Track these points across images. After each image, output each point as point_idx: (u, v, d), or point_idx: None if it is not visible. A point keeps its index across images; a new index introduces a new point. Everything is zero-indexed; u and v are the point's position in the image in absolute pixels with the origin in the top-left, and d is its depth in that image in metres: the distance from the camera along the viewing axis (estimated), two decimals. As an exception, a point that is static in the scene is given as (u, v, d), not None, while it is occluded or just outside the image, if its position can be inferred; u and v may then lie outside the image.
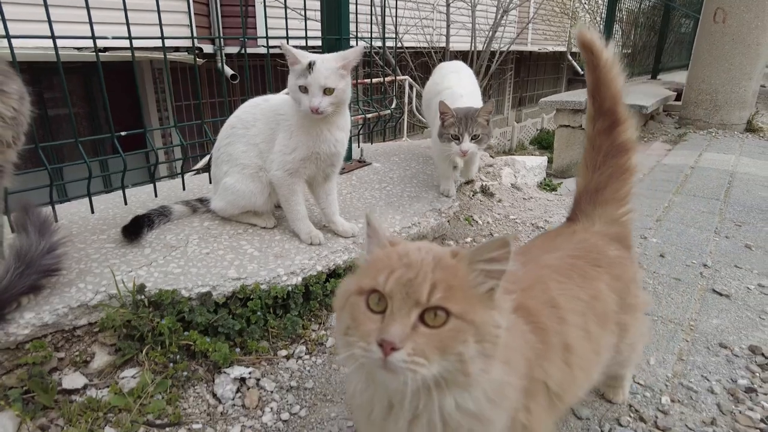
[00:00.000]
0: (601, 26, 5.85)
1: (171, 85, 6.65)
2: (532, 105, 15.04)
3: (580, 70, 14.95)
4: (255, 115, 1.72)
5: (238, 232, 1.75)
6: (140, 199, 1.99)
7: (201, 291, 1.39)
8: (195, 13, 6.47)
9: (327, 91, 1.50)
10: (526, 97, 14.98)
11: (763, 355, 1.58)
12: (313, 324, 1.56)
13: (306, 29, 2.19)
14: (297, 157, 1.62)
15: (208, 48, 6.57)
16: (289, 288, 1.49)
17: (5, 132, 1.12)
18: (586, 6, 11.40)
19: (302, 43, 2.27)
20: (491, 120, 2.05)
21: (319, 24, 2.28)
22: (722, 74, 5.06)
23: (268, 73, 2.23)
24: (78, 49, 4.98)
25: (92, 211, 1.82)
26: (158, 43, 1.89)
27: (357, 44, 2.58)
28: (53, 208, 1.71)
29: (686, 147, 4.61)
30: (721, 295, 1.92)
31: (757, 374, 1.49)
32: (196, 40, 2.06)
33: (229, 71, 6.47)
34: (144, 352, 1.29)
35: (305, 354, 1.45)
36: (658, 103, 5.64)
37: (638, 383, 1.39)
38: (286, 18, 2.14)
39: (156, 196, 1.99)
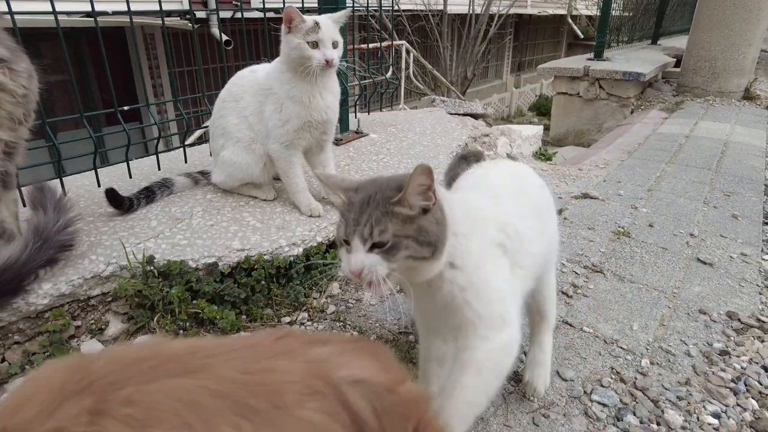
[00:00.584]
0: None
1: (169, 52, 6.56)
2: (531, 70, 14.84)
3: (580, 33, 14.70)
4: (243, 87, 1.75)
5: (240, 205, 1.81)
6: (143, 171, 2.04)
7: (207, 262, 1.46)
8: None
9: (334, 44, 1.59)
10: (525, 62, 14.79)
11: (739, 320, 1.67)
12: (314, 292, 1.64)
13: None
14: (291, 128, 1.66)
15: (200, 13, 6.45)
16: (291, 258, 1.57)
17: (16, 109, 1.16)
18: (587, -33, 11.13)
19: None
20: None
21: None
22: (722, 40, 5.03)
23: (266, 39, 2.24)
24: (67, 13, 4.91)
25: (98, 185, 1.87)
26: (150, 7, 1.88)
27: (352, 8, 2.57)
28: (62, 182, 1.76)
29: (682, 115, 4.63)
30: (704, 263, 2.00)
31: (732, 338, 1.59)
32: (189, 5, 2.05)
33: (223, 37, 6.38)
34: (155, 320, 1.37)
35: (307, 320, 1.53)
36: (656, 70, 5.62)
37: (621, 347, 1.48)
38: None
39: (159, 169, 2.04)
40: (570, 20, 14.26)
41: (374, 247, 0.82)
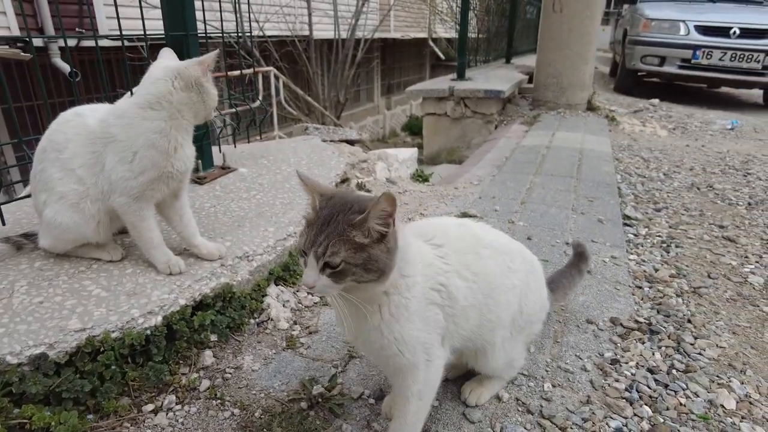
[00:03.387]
0: (458, 13, 6.11)
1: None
2: (400, 92, 15.43)
3: (441, 55, 15.63)
4: (67, 134, 1.46)
5: (79, 270, 1.49)
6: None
7: (33, 353, 1.15)
8: None
9: None
10: (394, 84, 15.32)
11: (621, 325, 1.72)
12: (182, 367, 1.38)
13: (144, 27, 1.91)
14: (145, 179, 1.42)
15: (37, 41, 5.68)
16: (148, 332, 1.30)
17: None
18: (441, -6, 11.89)
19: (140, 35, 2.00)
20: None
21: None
22: (564, 60, 5.56)
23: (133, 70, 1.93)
24: None
25: None
26: None
27: (206, 38, 2.36)
28: None
29: (541, 127, 5.00)
30: (589, 273, 2.07)
31: (619, 344, 1.63)
32: (20, 31, 1.69)
33: (66, 67, 5.67)
34: (-41, 443, 1.04)
35: (176, 404, 1.27)
36: (513, 87, 6.05)
37: (522, 374, 1.43)
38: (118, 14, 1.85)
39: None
40: (431, 43, 15.10)
41: (326, 266, 0.90)
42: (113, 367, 1.23)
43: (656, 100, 6.71)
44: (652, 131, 5.22)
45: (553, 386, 1.41)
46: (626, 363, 1.53)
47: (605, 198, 2.98)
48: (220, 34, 2.48)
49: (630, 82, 7.59)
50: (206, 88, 1.48)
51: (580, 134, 4.71)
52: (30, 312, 1.28)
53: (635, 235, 2.52)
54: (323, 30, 8.37)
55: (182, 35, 1.97)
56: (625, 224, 2.63)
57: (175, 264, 1.50)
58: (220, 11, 2.31)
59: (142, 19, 1.98)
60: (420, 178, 3.50)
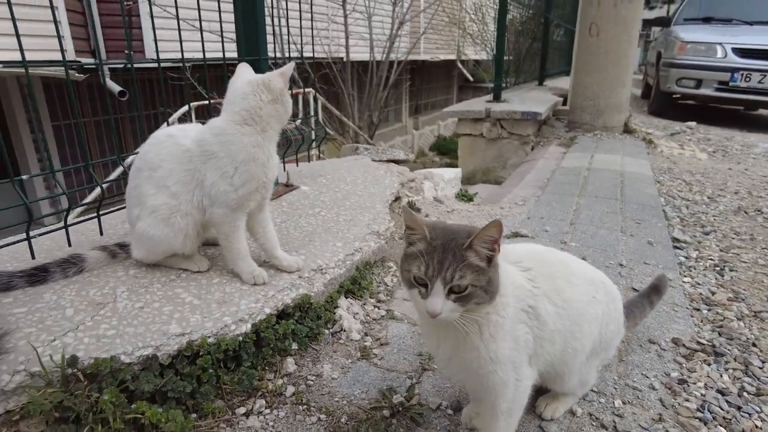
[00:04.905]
0: (486, 35, 6.22)
1: (75, 104, 5.97)
2: (428, 112, 15.61)
3: (470, 77, 15.78)
4: (160, 154, 1.56)
5: (170, 279, 1.59)
6: (44, 248, 1.74)
7: (144, 353, 1.24)
8: (70, 23, 5.88)
9: None
10: (421, 105, 15.51)
11: (684, 346, 1.74)
12: (268, 373, 1.45)
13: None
14: (244, 192, 1.53)
15: (89, 61, 6.00)
16: (240, 338, 1.38)
17: None
18: (473, 16, 12.07)
19: (200, 56, 2.14)
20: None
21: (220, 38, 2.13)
22: (601, 82, 5.60)
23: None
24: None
25: (-13, 270, 1.56)
26: (32, 56, 1.66)
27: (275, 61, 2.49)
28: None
29: (578, 149, 5.03)
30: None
31: (684, 365, 1.65)
32: (74, 54, 1.84)
33: (116, 88, 5.95)
34: (82, 435, 1.12)
35: (265, 408, 1.35)
36: (549, 109, 6.10)
37: (593, 390, 1.47)
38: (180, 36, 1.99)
39: (70, 245, 1.75)
40: (460, 65, 15.27)
41: (450, 291, 0.95)
42: (210, 370, 1.31)
43: (693, 123, 6.67)
44: (692, 154, 5.20)
45: (624, 403, 1.44)
46: (694, 383, 1.55)
47: (652, 220, 2.99)
48: (286, 58, 2.61)
49: (665, 104, 7.57)
50: (287, 98, 1.58)
51: (619, 156, 4.72)
52: (134, 316, 1.38)
53: (686, 257, 2.53)
54: (358, 53, 8.59)
55: (256, 59, 2.11)
56: (675, 247, 2.65)
57: (259, 275, 1.59)
58: (273, 37, 2.44)
59: (202, 43, 2.12)
60: (465, 197, 3.57)
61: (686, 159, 5.00)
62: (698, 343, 1.77)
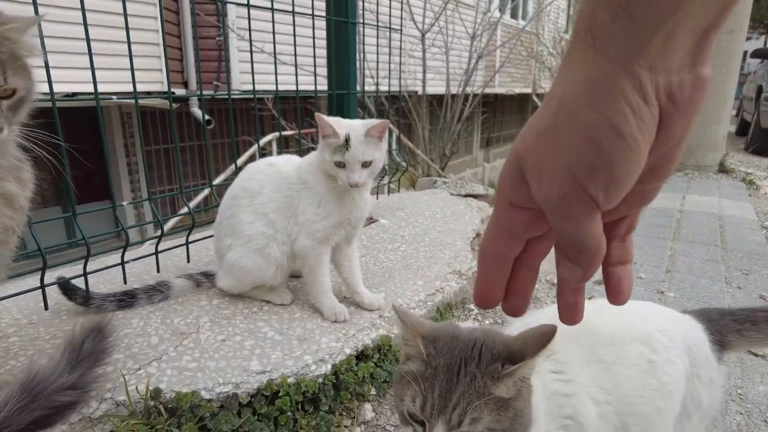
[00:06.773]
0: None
1: (141, 133, 6.43)
2: (500, 144, 15.39)
3: (544, 110, 15.42)
4: (261, 182, 1.58)
5: (252, 311, 1.58)
6: (134, 272, 1.80)
7: (224, 391, 1.21)
8: (169, 58, 6.36)
9: (365, 164, 1.42)
10: (493, 138, 15.32)
11: (819, 425, 1.49)
12: (345, 419, 1.38)
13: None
14: (329, 224, 1.51)
15: (180, 91, 6.43)
16: (320, 379, 1.33)
17: (12, 221, 0.96)
18: (550, 49, 11.87)
19: (286, 89, 2.18)
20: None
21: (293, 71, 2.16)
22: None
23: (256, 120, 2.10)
24: (43, 93, 4.75)
25: (88, 294, 1.62)
26: (126, 87, 1.75)
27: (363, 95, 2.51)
28: (44, 295, 1.50)
29: (668, 189, 4.69)
30: (756, 355, 1.84)
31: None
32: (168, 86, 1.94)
33: (203, 116, 6.32)
34: (160, 471, 1.09)
35: (343, 457, 1.27)
36: (634, 145, 5.78)
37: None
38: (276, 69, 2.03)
39: (158, 271, 1.79)
40: (535, 97, 15.00)
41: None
42: (288, 413, 1.26)
43: (800, 164, 6.09)
44: (801, 198, 4.70)
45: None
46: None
47: (761, 271, 2.68)
48: (373, 93, 2.63)
49: (766, 142, 6.97)
50: (382, 146, 1.55)
51: (716, 198, 4.35)
52: (216, 349, 1.36)
53: (809, 317, 2.22)
54: (433, 86, 8.64)
55: (344, 93, 2.13)
56: (794, 304, 2.34)
57: (340, 312, 1.54)
58: (356, 74, 2.46)
59: (296, 76, 2.16)
60: (545, 236, 3.39)
61: (795, 203, 4.52)
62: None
